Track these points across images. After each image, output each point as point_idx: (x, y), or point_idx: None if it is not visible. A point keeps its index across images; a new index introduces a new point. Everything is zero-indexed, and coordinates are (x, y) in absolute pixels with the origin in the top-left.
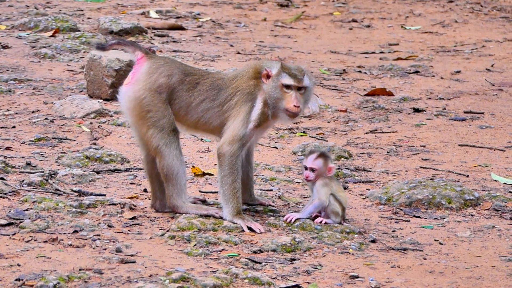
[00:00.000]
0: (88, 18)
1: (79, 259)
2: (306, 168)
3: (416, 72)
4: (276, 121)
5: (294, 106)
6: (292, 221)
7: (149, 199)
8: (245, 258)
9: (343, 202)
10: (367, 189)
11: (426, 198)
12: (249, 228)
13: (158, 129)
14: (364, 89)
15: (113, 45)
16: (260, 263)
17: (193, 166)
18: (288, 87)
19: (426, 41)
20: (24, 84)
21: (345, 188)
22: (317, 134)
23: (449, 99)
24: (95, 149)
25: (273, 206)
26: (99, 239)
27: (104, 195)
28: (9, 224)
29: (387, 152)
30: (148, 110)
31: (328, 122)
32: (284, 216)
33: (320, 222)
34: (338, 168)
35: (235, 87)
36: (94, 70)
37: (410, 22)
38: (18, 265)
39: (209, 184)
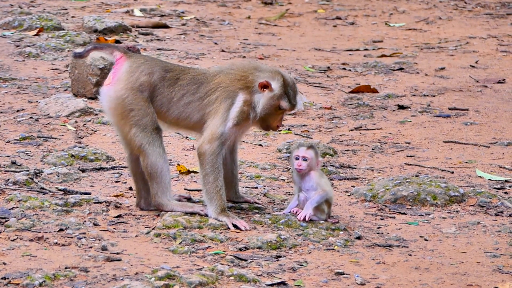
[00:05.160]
0: (72, 16)
1: (65, 257)
2: (297, 159)
3: (401, 69)
4: (256, 126)
5: (277, 126)
6: (307, 218)
7: (135, 197)
8: (231, 255)
9: (329, 199)
10: (352, 186)
11: (411, 195)
12: (234, 226)
13: (140, 128)
14: (349, 86)
15: (90, 51)
16: (245, 260)
17: (178, 164)
18: (283, 109)
19: (410, 38)
20: (9, 83)
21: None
22: (302, 132)
23: (434, 96)
24: (80, 147)
25: (258, 204)
26: (84, 237)
27: (90, 193)
28: None
29: (372, 149)
30: (131, 109)
31: (313, 120)
32: (297, 216)
33: (305, 219)
34: (323, 165)
35: (217, 83)
36: (79, 69)
37: (394, 19)
38: (4, 263)
39: (194, 181)
